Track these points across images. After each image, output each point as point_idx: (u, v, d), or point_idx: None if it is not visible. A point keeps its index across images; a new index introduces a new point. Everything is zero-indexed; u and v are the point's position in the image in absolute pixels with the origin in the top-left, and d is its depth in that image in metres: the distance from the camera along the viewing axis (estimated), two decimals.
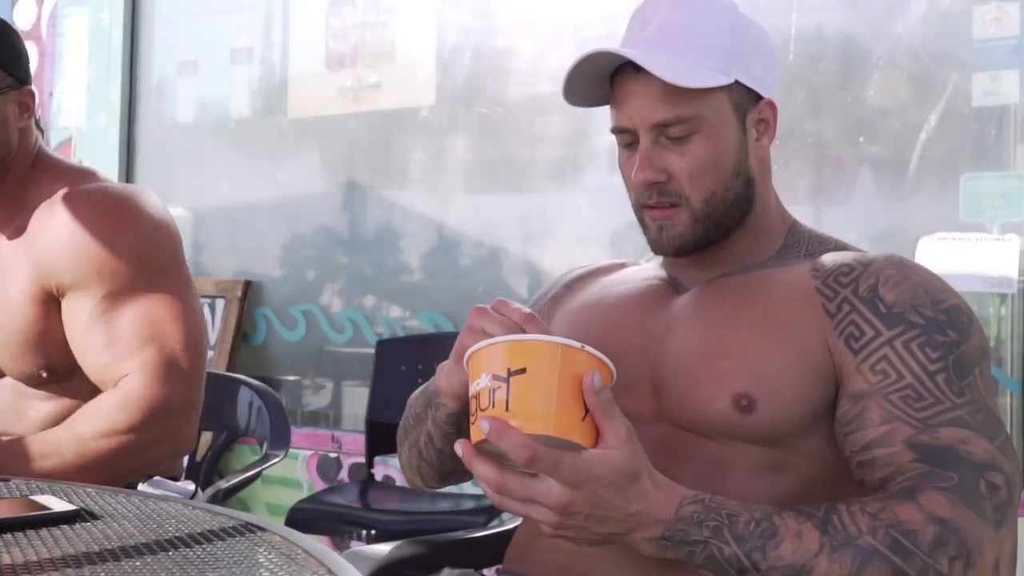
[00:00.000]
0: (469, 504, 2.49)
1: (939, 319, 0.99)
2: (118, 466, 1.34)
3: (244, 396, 1.88)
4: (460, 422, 1.08)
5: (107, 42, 3.43)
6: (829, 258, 1.08)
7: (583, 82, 1.10)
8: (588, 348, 0.86)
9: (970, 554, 0.88)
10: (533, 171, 2.88)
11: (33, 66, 3.66)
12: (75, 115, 3.46)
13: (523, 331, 0.94)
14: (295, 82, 3.23)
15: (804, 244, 1.13)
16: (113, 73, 3.42)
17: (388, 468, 2.84)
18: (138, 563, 0.69)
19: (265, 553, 0.72)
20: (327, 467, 2.94)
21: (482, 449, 0.87)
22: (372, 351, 2.83)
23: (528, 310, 0.98)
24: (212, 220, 3.29)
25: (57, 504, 0.84)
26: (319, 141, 3.22)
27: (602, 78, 1.10)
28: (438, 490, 2.74)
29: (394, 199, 3.12)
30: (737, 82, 1.07)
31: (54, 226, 1.36)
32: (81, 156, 3.37)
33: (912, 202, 2.45)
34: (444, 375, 1.05)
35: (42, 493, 0.91)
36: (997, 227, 2.32)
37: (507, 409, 0.84)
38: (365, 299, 3.10)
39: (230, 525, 0.78)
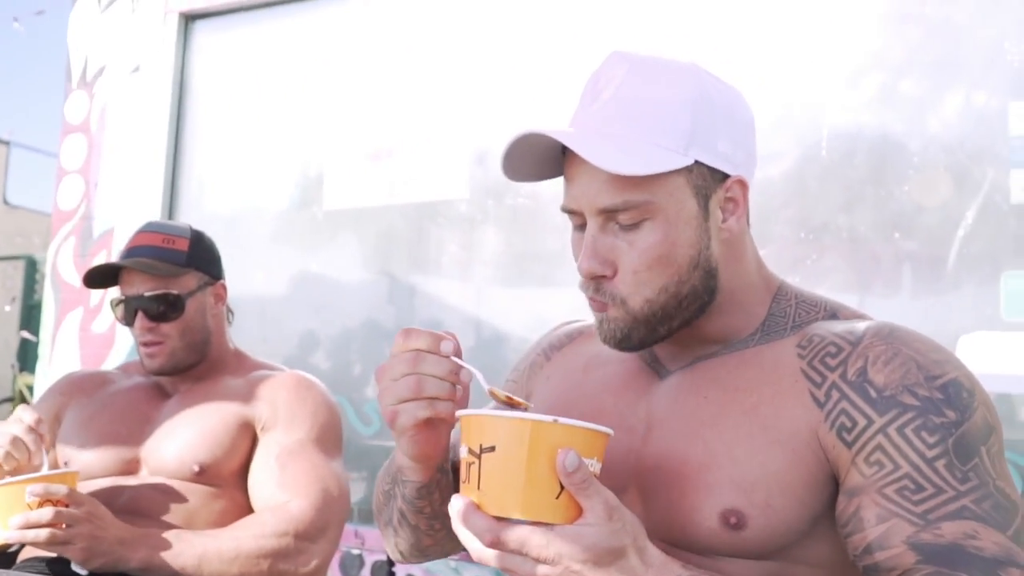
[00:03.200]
0: None
1: (934, 398, 0.90)
2: (258, 564, 1.65)
3: None
4: (431, 494, 1.04)
5: (151, 136, 3.53)
6: (817, 332, 0.98)
7: (532, 158, 1.00)
8: (563, 421, 0.81)
9: None
10: (564, 264, 2.86)
11: (82, 159, 3.78)
12: (118, 206, 3.54)
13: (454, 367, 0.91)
14: (331, 175, 3.27)
15: (791, 314, 1.02)
16: (156, 167, 3.51)
17: (411, 567, 2.76)
18: None
19: None
20: (349, 564, 2.88)
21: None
22: None
23: (445, 336, 0.92)
24: (243, 309, 3.31)
25: None
26: (355, 231, 3.24)
27: (554, 152, 1.00)
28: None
29: (431, 291, 3.12)
30: (697, 162, 0.95)
31: (271, 389, 1.83)
32: (122, 246, 3.42)
33: (951, 299, 2.39)
34: (400, 449, 0.98)
35: None
36: None
37: (479, 488, 0.82)
38: None
39: None
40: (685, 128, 0.95)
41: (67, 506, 1.53)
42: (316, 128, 3.31)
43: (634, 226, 0.96)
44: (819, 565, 0.94)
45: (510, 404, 0.94)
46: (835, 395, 0.93)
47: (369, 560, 2.85)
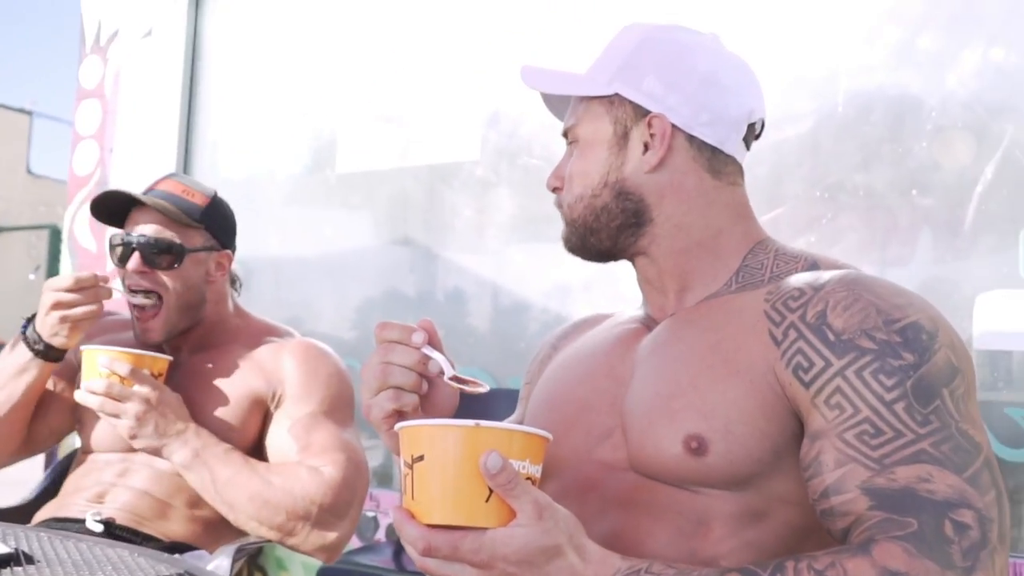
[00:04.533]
0: None
1: (892, 341, 0.90)
2: (276, 515, 1.61)
3: None
4: None
5: (165, 100, 3.52)
6: (787, 281, 1.01)
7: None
8: (484, 424, 0.81)
9: None
10: None
11: (96, 124, 3.77)
12: (134, 171, 3.54)
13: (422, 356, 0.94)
14: (343, 138, 3.26)
15: (768, 266, 1.06)
16: (170, 131, 3.50)
17: None
18: None
19: None
20: (364, 527, 2.89)
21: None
22: None
23: (421, 327, 0.96)
24: (258, 271, 3.32)
25: None
26: (368, 194, 3.23)
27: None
28: None
29: (446, 254, 3.11)
30: (619, 95, 1.08)
31: (281, 360, 1.78)
32: None
33: (969, 257, 2.35)
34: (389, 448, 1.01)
35: None
36: None
37: (412, 498, 0.83)
38: None
39: (167, 574, 0.74)
40: (617, 65, 1.09)
41: (132, 385, 1.58)
42: (328, 91, 3.29)
43: (573, 145, 1.13)
44: (794, 503, 0.95)
45: (463, 383, 0.95)
46: (792, 334, 0.95)
47: (384, 522, 2.87)
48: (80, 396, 1.61)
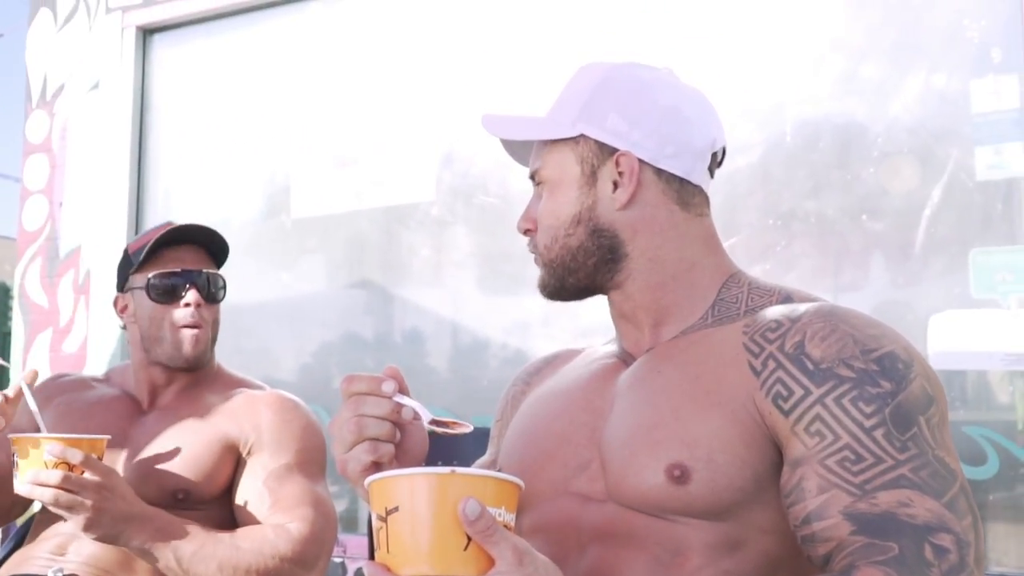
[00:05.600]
0: None
1: (870, 370, 0.93)
2: None
3: None
4: None
5: (114, 152, 3.49)
6: (764, 313, 1.03)
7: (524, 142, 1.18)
8: (461, 470, 0.81)
9: None
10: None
11: (44, 179, 3.72)
12: (84, 224, 3.50)
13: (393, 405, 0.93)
14: (297, 183, 3.25)
15: (743, 299, 1.07)
16: (120, 182, 3.47)
17: None
18: None
19: None
20: (332, 572, 2.85)
21: None
22: None
23: (389, 371, 0.96)
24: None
25: None
26: (325, 239, 3.22)
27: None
28: None
29: (405, 296, 3.10)
30: (584, 135, 1.08)
31: (255, 411, 1.79)
32: (89, 265, 3.38)
33: (921, 279, 2.39)
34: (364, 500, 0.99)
35: None
36: (1011, 302, 2.25)
37: (388, 551, 0.81)
38: None
39: None
40: (580, 105, 1.09)
41: (83, 472, 1.49)
42: (280, 137, 3.29)
43: (540, 187, 1.12)
44: (771, 532, 0.96)
45: (448, 426, 0.94)
46: (771, 364, 0.96)
47: (352, 568, 2.83)
48: (26, 489, 1.49)
